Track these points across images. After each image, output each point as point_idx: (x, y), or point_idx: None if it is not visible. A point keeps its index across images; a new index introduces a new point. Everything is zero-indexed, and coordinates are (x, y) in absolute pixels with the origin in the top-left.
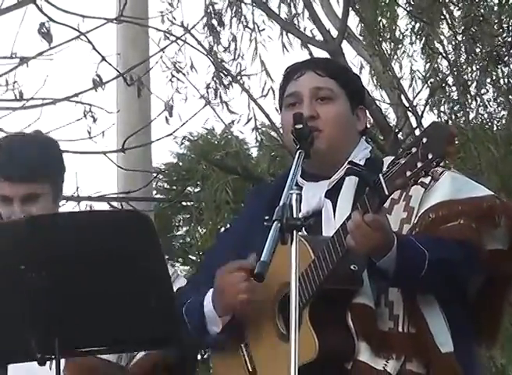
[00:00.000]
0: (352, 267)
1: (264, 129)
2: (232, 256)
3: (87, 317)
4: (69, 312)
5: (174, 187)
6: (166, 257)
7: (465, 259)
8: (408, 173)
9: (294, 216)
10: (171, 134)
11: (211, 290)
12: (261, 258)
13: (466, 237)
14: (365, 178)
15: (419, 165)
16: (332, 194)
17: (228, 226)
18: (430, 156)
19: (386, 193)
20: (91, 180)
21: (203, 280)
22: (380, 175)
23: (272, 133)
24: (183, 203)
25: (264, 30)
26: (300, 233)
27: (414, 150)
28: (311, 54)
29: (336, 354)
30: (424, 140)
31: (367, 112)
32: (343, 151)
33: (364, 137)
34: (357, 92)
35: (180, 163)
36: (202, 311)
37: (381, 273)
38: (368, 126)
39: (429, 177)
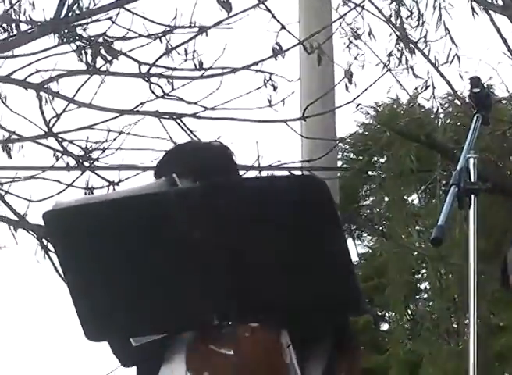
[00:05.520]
0: None
1: (449, 97)
2: None
3: (264, 284)
4: (246, 279)
5: (360, 158)
6: (354, 227)
7: None
8: None
9: (472, 180)
10: (351, 102)
11: None
12: (438, 223)
13: None
14: None
15: None
16: None
17: None
18: None
19: None
20: (275, 149)
21: None
22: None
23: (456, 101)
24: (369, 173)
25: None
26: None
27: None
28: (491, 20)
29: None
30: None
31: None
32: None
33: None
34: None
35: (366, 133)
36: None
37: None
38: None
39: None
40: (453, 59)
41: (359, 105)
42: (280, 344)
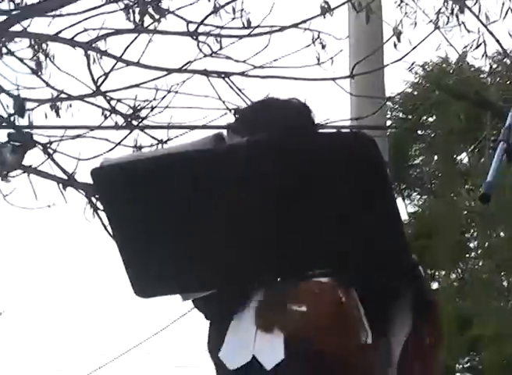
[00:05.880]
0: None
1: (499, 56)
2: None
3: (313, 242)
4: (294, 235)
5: (409, 117)
6: (403, 186)
7: None
8: None
9: None
10: (399, 60)
11: None
12: (487, 179)
13: None
14: None
15: None
16: None
17: None
18: None
19: None
20: (324, 107)
21: None
22: None
23: (506, 60)
24: (419, 132)
25: None
26: None
27: None
28: None
29: None
30: None
31: None
32: None
33: None
34: None
35: (415, 92)
36: None
37: None
38: None
39: None
40: (506, 13)
41: (413, 63)
42: (350, 300)
